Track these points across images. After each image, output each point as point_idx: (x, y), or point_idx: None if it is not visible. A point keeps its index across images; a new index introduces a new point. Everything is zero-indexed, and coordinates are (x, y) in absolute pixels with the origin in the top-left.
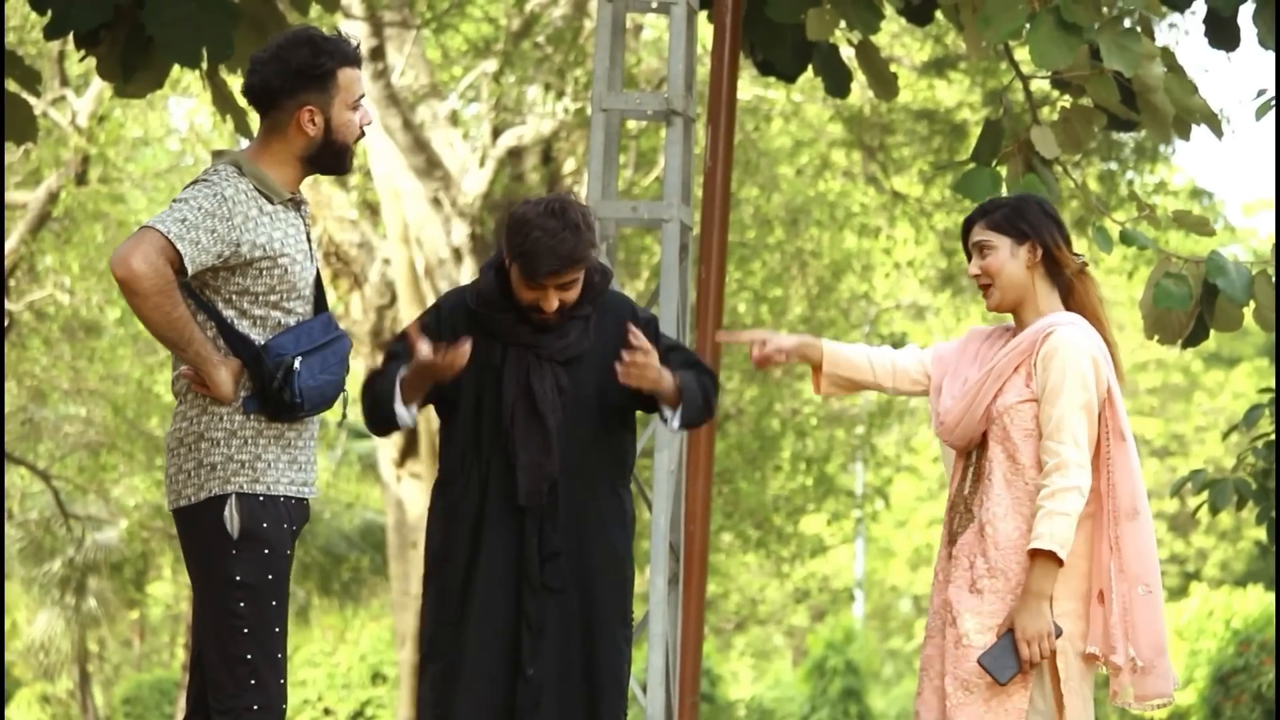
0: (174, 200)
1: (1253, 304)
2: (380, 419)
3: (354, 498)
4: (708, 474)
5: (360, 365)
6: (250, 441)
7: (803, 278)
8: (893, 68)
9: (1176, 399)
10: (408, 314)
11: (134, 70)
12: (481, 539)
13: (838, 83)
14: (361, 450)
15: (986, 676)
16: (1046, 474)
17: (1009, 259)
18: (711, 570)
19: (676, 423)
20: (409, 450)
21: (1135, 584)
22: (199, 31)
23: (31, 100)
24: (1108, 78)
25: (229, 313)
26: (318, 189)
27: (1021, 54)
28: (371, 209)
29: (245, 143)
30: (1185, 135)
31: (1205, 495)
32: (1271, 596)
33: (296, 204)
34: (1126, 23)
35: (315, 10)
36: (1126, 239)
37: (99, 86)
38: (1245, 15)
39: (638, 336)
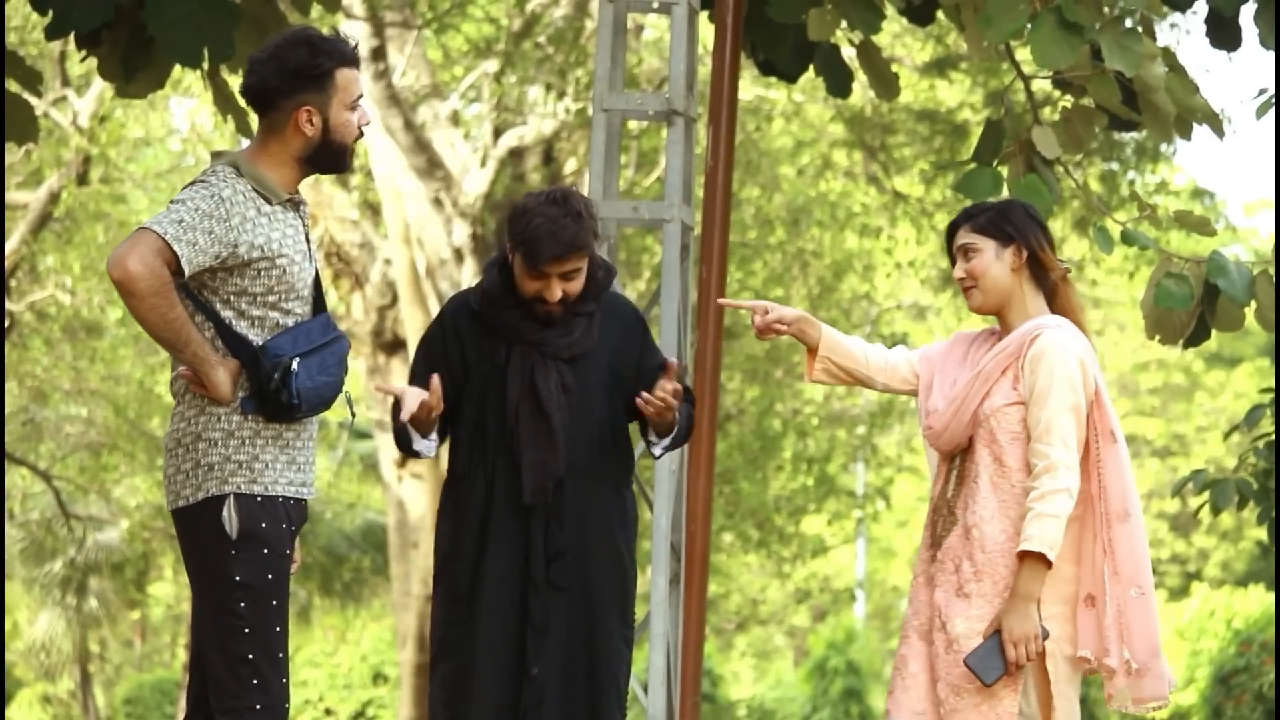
0: (171, 201)
1: (1254, 304)
2: (410, 454)
3: (355, 498)
4: (709, 474)
5: (361, 365)
6: (248, 442)
7: (804, 278)
8: (894, 68)
9: (1178, 399)
10: (409, 314)
11: (135, 70)
12: (488, 539)
13: (839, 83)
14: (363, 450)
15: (975, 680)
16: (1035, 476)
17: (994, 261)
18: (713, 570)
19: (659, 450)
20: None
21: (1128, 586)
22: (200, 31)
23: (33, 100)
24: (1109, 78)
25: (227, 313)
26: (319, 189)
27: (1023, 54)
28: (373, 209)
29: (246, 143)
30: (1186, 135)
31: (1206, 495)
32: (1272, 596)
33: (295, 204)
34: (1128, 23)
35: (317, 10)
36: (1128, 239)
37: (100, 87)
38: (1246, 15)
39: (664, 389)
